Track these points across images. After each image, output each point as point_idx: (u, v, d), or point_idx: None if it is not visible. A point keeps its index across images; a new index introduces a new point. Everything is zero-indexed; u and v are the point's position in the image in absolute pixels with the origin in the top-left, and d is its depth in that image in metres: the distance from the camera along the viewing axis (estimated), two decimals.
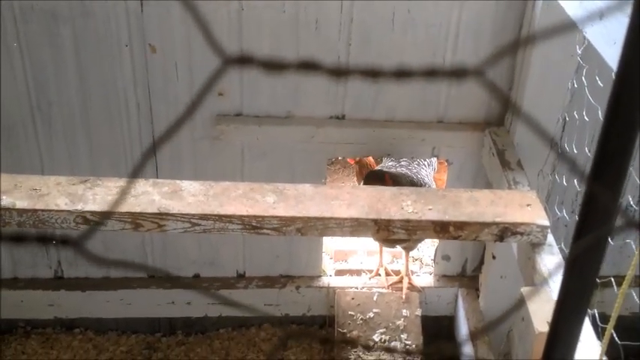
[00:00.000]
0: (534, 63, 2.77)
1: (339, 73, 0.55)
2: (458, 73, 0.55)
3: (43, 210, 2.18)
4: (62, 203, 2.20)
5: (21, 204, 2.18)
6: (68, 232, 2.32)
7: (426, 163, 3.59)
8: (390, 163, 3.52)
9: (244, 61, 0.55)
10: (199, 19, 0.62)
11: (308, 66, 0.55)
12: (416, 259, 3.99)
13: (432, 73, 0.54)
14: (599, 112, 2.50)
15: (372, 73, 0.54)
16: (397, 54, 2.96)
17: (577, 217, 0.80)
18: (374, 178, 3.23)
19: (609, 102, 0.72)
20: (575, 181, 2.87)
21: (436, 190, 2.43)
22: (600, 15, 1.85)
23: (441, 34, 2.93)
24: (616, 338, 1.94)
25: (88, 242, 0.61)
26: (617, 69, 0.71)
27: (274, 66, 0.55)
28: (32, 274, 3.59)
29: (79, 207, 2.19)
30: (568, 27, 1.88)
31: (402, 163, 3.49)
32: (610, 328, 1.56)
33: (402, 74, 0.53)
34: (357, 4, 2.85)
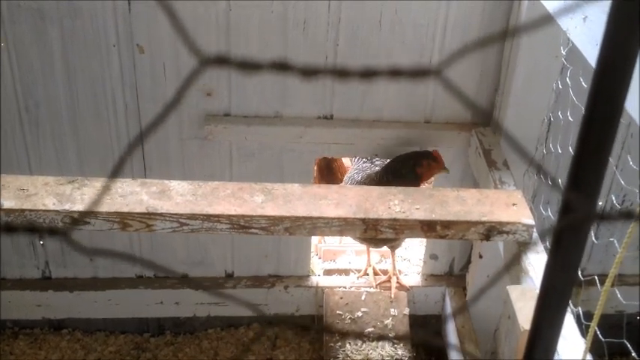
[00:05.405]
0: (520, 64, 2.80)
1: (310, 72, 0.56)
2: (419, 73, 0.56)
3: (30, 210, 2.18)
4: (50, 203, 2.20)
5: (8, 204, 2.18)
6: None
7: None
8: (364, 165, 3.53)
9: (222, 61, 0.56)
10: (176, 20, 0.63)
11: (281, 66, 0.56)
12: (404, 259, 4.01)
13: (395, 73, 0.56)
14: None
15: (340, 73, 0.55)
16: (385, 54, 2.98)
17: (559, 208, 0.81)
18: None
19: (589, 95, 0.74)
20: (560, 181, 2.90)
21: (423, 189, 2.45)
22: (584, 17, 1.88)
23: (428, 34, 2.95)
24: (600, 336, 1.96)
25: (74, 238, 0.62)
26: (595, 66, 0.73)
27: (250, 66, 0.56)
28: (20, 274, 3.57)
29: (67, 207, 2.19)
30: (551, 27, 1.90)
31: (377, 162, 3.49)
32: (594, 326, 1.58)
33: (366, 74, 0.54)
34: (344, 4, 2.86)
